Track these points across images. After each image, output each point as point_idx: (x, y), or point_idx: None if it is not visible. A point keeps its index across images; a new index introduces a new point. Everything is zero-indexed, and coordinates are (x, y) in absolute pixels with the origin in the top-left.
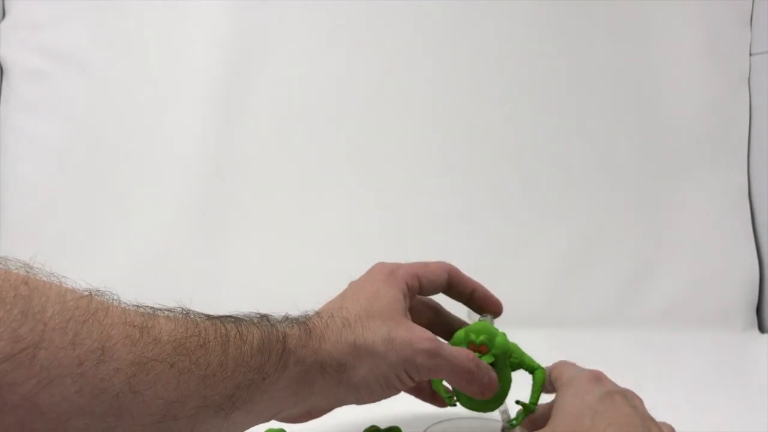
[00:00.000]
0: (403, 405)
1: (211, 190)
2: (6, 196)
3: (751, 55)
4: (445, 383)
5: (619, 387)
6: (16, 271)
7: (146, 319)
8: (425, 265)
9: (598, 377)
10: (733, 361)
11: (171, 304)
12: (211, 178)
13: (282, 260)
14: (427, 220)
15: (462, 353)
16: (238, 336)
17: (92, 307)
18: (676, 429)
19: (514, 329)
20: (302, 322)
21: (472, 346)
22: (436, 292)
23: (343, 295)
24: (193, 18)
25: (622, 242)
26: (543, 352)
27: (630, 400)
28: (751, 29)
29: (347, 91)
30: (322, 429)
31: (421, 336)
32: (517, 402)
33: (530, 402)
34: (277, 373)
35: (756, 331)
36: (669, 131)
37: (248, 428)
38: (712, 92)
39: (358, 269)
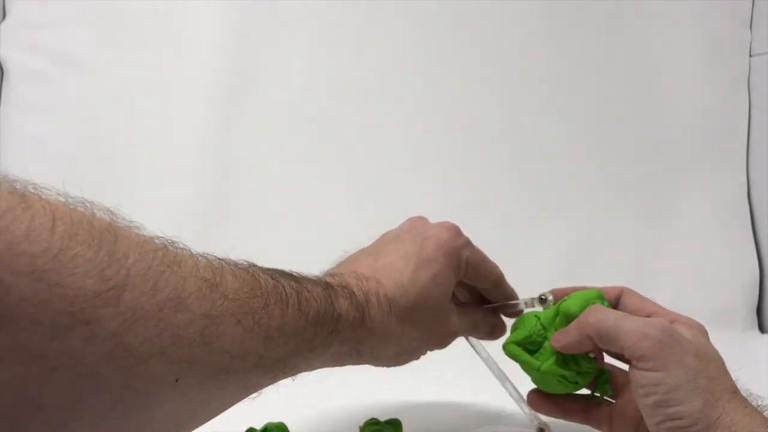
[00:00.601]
0: (403, 401)
1: (211, 189)
2: None
3: (751, 56)
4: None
5: None
6: (101, 216)
7: (215, 274)
8: (486, 259)
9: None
10: (733, 361)
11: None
12: (211, 177)
13: (284, 261)
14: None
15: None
16: (296, 305)
17: (167, 259)
18: None
19: None
20: (359, 306)
21: None
22: (474, 283)
23: (408, 261)
24: (193, 18)
25: (622, 242)
26: None
27: None
28: (751, 30)
29: (348, 89)
30: (323, 421)
31: (455, 330)
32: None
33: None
34: (322, 349)
35: (756, 331)
36: (669, 131)
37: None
38: (712, 92)
39: None
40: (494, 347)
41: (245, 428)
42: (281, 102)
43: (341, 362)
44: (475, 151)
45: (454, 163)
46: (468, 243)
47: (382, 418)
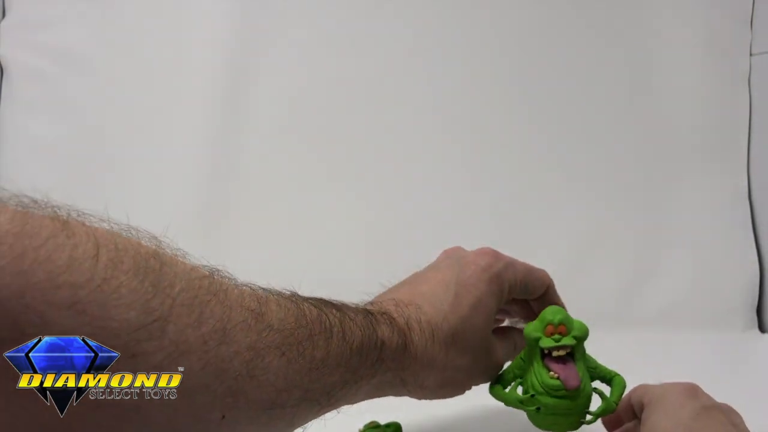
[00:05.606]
0: (403, 404)
1: (212, 190)
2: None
3: (751, 55)
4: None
5: (717, 402)
6: (146, 243)
7: (260, 304)
8: (531, 271)
9: (692, 390)
10: (733, 361)
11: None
12: (212, 177)
13: (285, 262)
14: (426, 220)
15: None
16: (340, 334)
17: (213, 288)
18: None
19: None
20: (401, 332)
21: (550, 327)
22: (524, 297)
23: (447, 288)
24: (193, 17)
25: (622, 242)
26: None
27: (729, 416)
28: (751, 29)
29: (350, 89)
30: (323, 423)
31: (499, 360)
32: (595, 390)
33: (611, 399)
34: (366, 378)
35: (756, 331)
36: (669, 131)
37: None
38: (712, 92)
39: (362, 270)
40: None
41: None
42: (283, 101)
43: (384, 392)
44: (475, 151)
45: (454, 163)
46: (509, 264)
47: (382, 422)
